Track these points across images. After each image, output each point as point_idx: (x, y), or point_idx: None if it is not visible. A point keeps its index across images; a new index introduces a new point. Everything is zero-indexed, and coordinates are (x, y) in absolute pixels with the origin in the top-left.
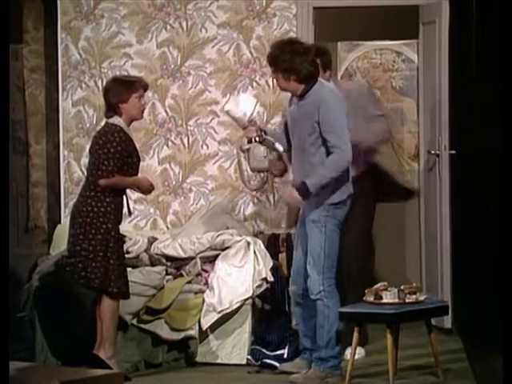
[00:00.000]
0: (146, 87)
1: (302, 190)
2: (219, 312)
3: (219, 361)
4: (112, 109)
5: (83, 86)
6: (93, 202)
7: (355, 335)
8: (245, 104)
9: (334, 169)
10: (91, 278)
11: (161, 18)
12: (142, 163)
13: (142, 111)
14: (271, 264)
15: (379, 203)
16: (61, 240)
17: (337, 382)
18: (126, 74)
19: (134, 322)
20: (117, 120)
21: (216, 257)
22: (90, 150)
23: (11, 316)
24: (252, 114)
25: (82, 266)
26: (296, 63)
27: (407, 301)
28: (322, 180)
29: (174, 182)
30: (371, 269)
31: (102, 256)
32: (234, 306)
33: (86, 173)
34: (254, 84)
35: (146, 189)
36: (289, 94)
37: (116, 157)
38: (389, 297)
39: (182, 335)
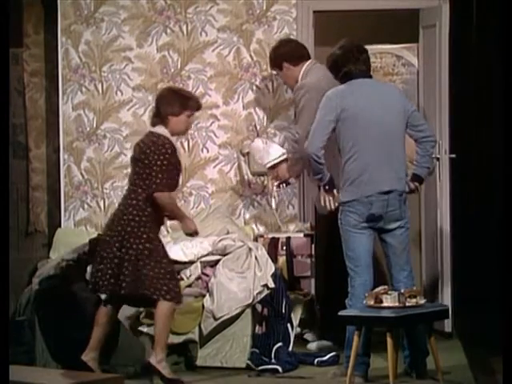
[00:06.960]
0: (199, 108)
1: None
2: (218, 318)
3: (219, 364)
4: (160, 118)
5: (83, 89)
6: (134, 211)
7: (355, 339)
8: (269, 154)
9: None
10: (123, 285)
11: (161, 22)
12: None
13: (187, 129)
14: (272, 270)
15: None
16: (61, 244)
17: None
18: (126, 77)
19: (135, 325)
20: (163, 130)
21: (217, 261)
22: (134, 158)
23: (11, 319)
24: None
25: (112, 273)
26: None
27: (407, 304)
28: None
29: None
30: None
31: (150, 263)
32: (234, 313)
33: (128, 181)
34: (254, 88)
35: (188, 230)
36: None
37: (169, 169)
38: (389, 300)
39: (182, 339)
